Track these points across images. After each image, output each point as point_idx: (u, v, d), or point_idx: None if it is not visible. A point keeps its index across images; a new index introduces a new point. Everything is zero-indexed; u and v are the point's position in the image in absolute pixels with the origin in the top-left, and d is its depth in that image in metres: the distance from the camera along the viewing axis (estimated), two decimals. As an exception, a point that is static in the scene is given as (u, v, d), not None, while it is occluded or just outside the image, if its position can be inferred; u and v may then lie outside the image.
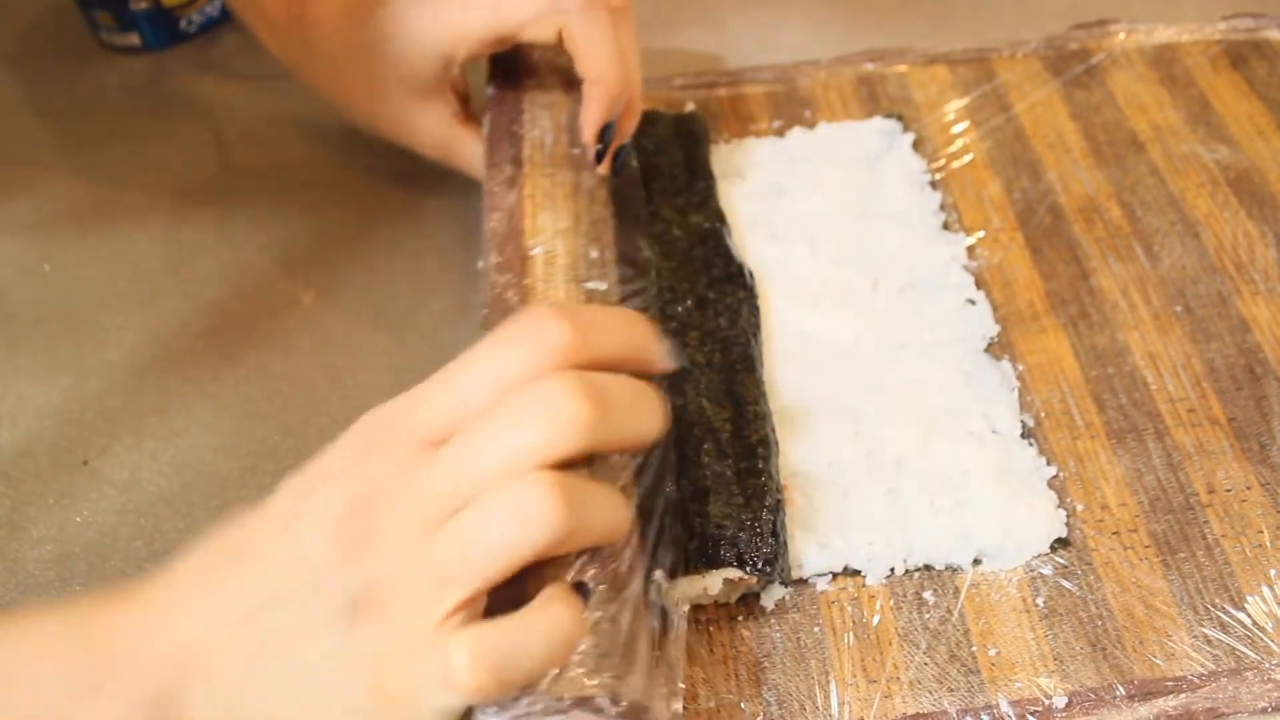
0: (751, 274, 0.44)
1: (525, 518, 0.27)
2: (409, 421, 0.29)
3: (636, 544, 0.31)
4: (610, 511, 0.29)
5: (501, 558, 0.27)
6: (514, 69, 0.47)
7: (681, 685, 0.32)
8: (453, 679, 0.27)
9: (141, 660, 0.28)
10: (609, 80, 0.42)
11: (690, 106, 0.53)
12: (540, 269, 0.40)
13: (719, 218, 0.46)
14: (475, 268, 0.49)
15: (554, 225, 0.41)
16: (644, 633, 0.30)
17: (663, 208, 0.46)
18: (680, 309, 0.42)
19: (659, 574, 0.32)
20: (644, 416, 0.30)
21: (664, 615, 0.32)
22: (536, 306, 0.31)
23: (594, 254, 0.41)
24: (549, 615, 0.28)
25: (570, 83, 0.45)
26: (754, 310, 0.43)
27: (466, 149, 0.48)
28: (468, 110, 0.48)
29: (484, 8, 0.44)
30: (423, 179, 0.53)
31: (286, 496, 0.29)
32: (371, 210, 0.52)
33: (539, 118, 0.45)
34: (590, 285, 0.39)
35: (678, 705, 0.31)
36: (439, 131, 0.48)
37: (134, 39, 0.61)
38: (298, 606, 0.28)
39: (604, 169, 0.44)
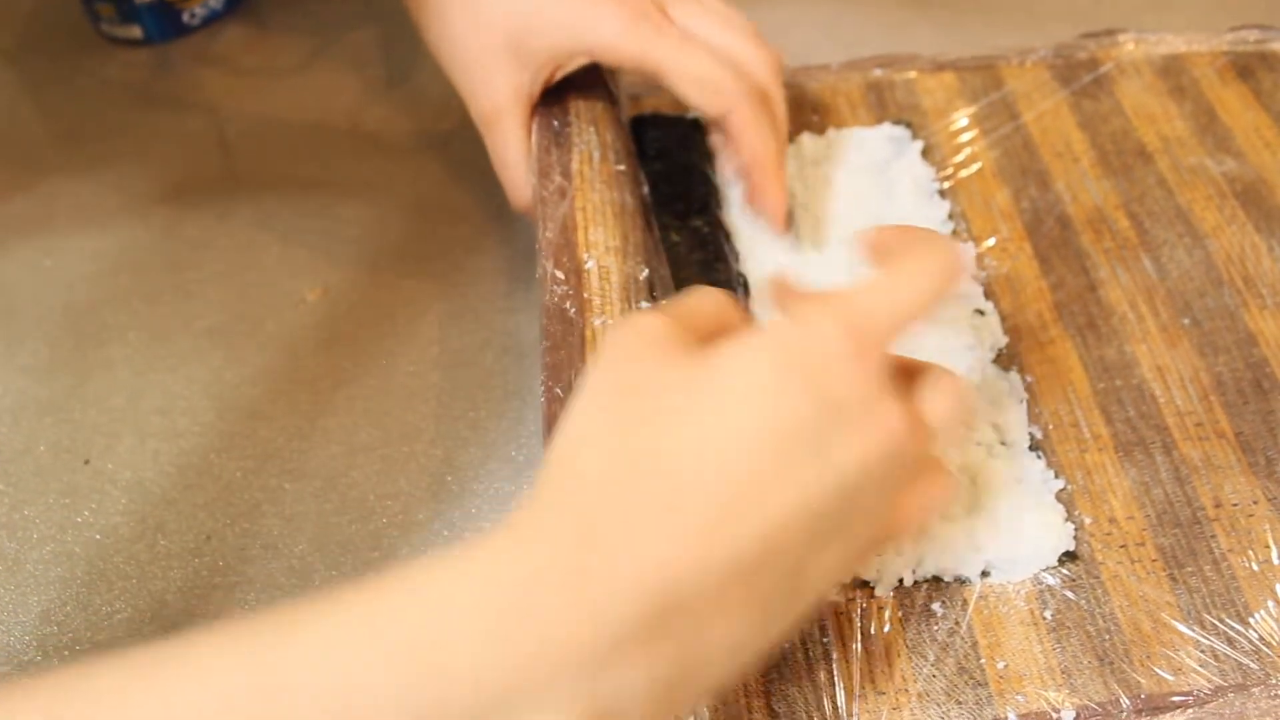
0: (747, 283, 0.44)
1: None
2: (886, 328, 0.29)
3: None
4: None
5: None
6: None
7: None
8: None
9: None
10: (776, 171, 0.44)
11: (694, 113, 0.52)
12: (595, 284, 0.39)
13: (718, 223, 0.46)
14: (480, 270, 0.49)
15: (605, 242, 0.41)
16: None
17: (663, 213, 0.46)
18: None
19: None
20: None
21: None
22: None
23: (642, 275, 0.41)
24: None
25: (612, 96, 0.46)
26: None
27: (508, 145, 0.45)
28: (540, 97, 0.46)
29: (638, 41, 0.42)
30: (430, 178, 0.53)
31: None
32: (377, 208, 0.52)
33: (585, 131, 0.45)
34: (645, 306, 0.40)
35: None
36: (504, 100, 0.45)
37: (136, 31, 0.60)
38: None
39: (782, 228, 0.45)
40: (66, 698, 0.22)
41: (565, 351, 0.37)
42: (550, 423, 0.35)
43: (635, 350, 0.27)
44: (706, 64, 0.42)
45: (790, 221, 0.45)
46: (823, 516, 0.26)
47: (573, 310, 0.38)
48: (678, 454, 0.25)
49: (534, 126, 0.45)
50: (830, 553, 0.27)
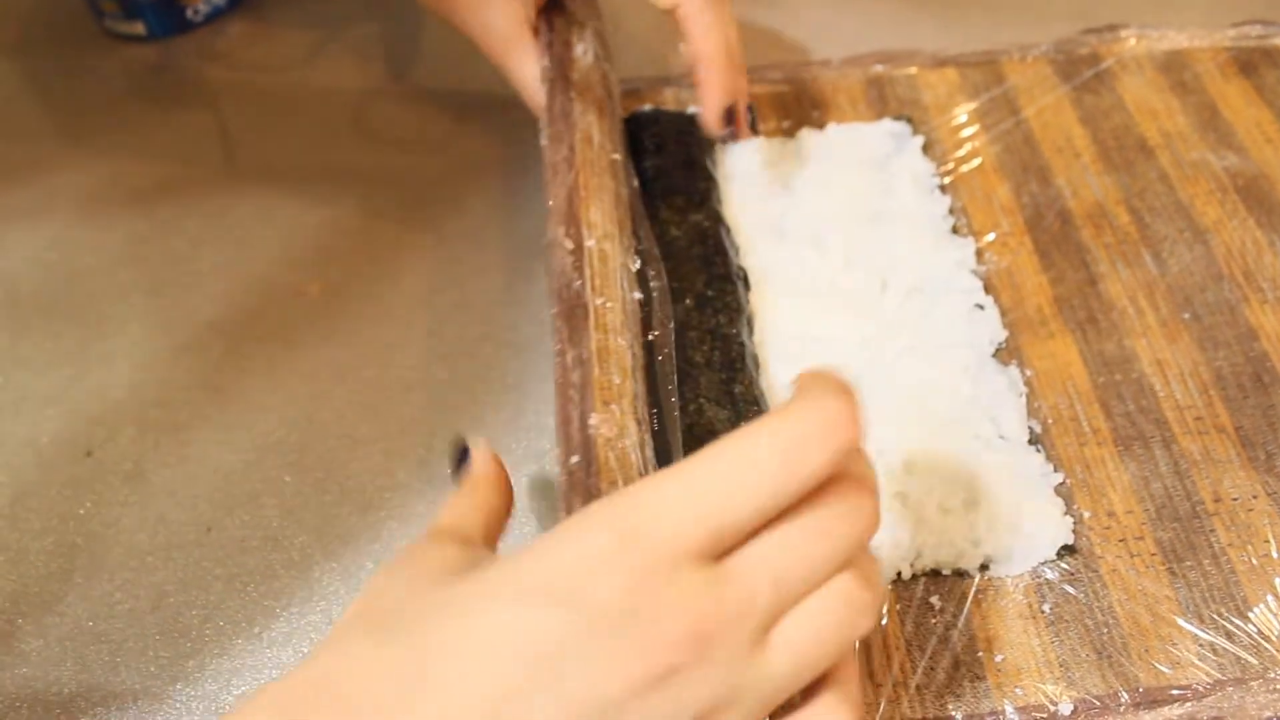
0: (747, 276, 0.44)
1: (859, 609, 0.25)
2: (675, 530, 0.23)
3: None
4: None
5: (834, 653, 0.25)
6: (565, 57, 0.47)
7: None
8: None
9: None
10: (721, 64, 0.44)
11: (694, 108, 0.52)
12: (595, 264, 0.39)
13: (718, 217, 0.46)
14: (479, 264, 0.49)
15: (604, 226, 0.41)
16: None
17: (662, 208, 0.46)
18: (679, 307, 0.42)
19: None
20: None
21: None
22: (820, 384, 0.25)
23: (635, 266, 0.41)
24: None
25: (609, 91, 0.47)
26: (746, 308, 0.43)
27: (524, 65, 0.47)
28: (538, 19, 0.48)
29: None
30: (430, 172, 0.53)
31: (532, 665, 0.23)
32: (378, 203, 0.52)
33: (587, 113, 0.45)
34: (637, 296, 0.40)
35: None
36: (505, 27, 0.47)
37: (139, 27, 0.61)
38: None
39: (747, 135, 0.46)
40: None
41: (574, 320, 0.37)
42: (563, 389, 0.35)
43: (402, 578, 0.26)
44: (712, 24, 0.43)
45: (729, 119, 0.45)
46: None
47: (578, 281, 0.38)
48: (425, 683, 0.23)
49: (547, 91, 0.46)
50: None
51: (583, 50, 0.47)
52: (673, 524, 0.23)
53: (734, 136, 0.46)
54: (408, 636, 0.23)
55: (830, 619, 0.24)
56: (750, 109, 0.47)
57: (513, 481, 0.41)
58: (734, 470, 0.24)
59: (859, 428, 0.25)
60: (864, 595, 0.25)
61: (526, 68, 0.47)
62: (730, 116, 0.45)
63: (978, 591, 0.37)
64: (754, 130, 0.47)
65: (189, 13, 0.61)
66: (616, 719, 0.22)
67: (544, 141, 0.44)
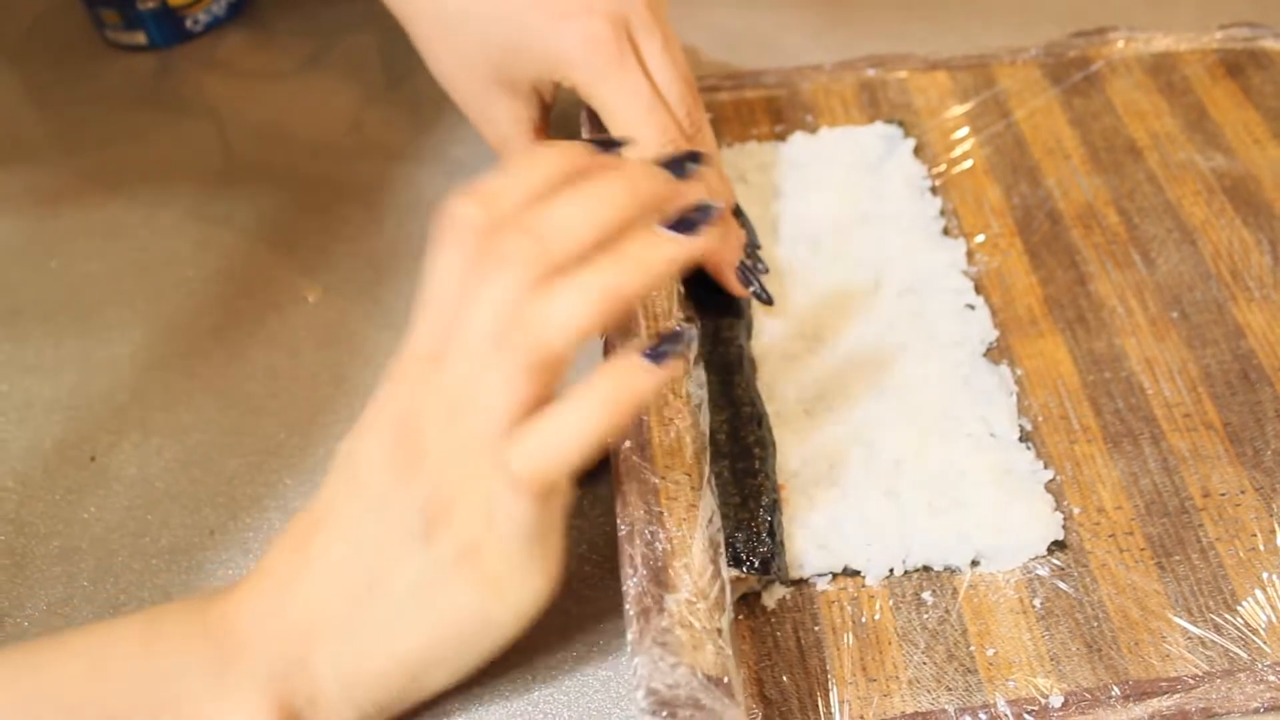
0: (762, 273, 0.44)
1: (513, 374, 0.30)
2: (410, 351, 0.33)
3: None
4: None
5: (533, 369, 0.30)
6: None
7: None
8: (514, 485, 0.30)
9: (261, 641, 0.31)
10: (649, 140, 0.40)
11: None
12: None
13: None
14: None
15: None
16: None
17: None
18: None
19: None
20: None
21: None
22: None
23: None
24: (578, 402, 0.30)
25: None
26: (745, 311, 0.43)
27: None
28: (545, 121, 0.47)
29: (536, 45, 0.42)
30: (427, 178, 0.54)
31: (342, 458, 0.33)
32: (376, 210, 0.52)
33: None
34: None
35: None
36: (507, 129, 0.46)
37: (140, 37, 0.61)
38: (378, 545, 0.31)
39: (740, 292, 0.43)
40: None
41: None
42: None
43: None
44: (642, 117, 0.41)
45: (745, 279, 0.43)
46: (359, 519, 0.32)
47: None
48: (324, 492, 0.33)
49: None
50: (383, 545, 0.32)
51: None
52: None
53: (759, 289, 0.43)
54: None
55: (492, 377, 0.30)
56: (755, 256, 0.44)
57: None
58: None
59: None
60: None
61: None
62: (745, 276, 0.43)
63: (969, 587, 0.37)
64: (765, 299, 0.44)
65: (189, 22, 0.62)
66: (388, 489, 0.31)
67: None
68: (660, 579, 0.32)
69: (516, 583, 0.31)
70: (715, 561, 0.32)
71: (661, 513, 0.34)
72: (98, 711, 0.31)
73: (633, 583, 0.32)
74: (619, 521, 0.34)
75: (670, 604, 0.31)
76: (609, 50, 0.41)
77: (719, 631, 0.32)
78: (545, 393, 0.30)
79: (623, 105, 0.41)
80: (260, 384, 0.45)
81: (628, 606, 0.32)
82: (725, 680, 0.30)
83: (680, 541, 0.33)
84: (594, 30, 0.40)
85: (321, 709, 0.32)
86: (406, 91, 0.59)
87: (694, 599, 0.31)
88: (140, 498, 0.42)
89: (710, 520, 0.33)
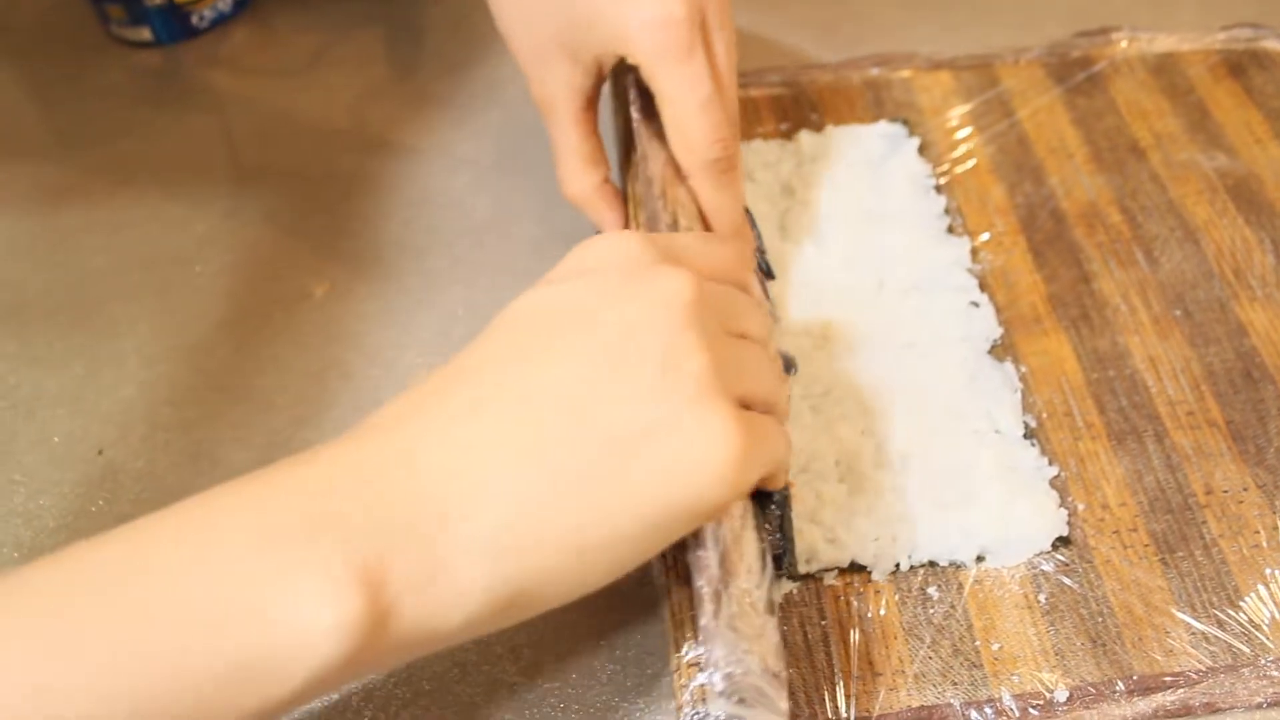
0: (769, 264, 0.44)
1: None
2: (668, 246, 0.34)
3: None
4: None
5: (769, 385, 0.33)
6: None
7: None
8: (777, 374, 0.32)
9: (363, 507, 0.27)
10: (700, 136, 0.40)
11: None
12: None
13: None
14: (483, 263, 0.49)
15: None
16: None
17: None
18: None
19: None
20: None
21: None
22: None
23: None
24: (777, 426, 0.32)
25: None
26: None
27: (562, 124, 0.44)
28: (596, 93, 0.45)
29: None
30: (433, 174, 0.54)
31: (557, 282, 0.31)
32: (383, 205, 0.53)
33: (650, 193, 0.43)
34: None
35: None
36: (556, 91, 0.44)
37: (145, 33, 0.61)
38: (609, 378, 0.29)
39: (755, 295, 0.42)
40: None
41: None
42: None
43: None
44: (699, 111, 0.40)
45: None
46: (577, 358, 0.29)
47: None
48: (467, 351, 0.31)
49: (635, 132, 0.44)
50: (607, 389, 0.29)
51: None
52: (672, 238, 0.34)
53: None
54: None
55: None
56: (762, 261, 0.44)
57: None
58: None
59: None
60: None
61: (562, 139, 0.44)
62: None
63: (974, 582, 0.37)
64: (769, 275, 0.44)
65: (194, 18, 0.62)
66: (622, 335, 0.29)
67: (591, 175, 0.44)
68: (725, 565, 0.32)
69: (766, 442, 0.31)
70: (764, 555, 0.33)
71: None
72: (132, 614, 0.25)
73: (710, 564, 0.31)
74: None
75: (735, 590, 0.31)
76: (681, 37, 0.40)
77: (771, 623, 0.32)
78: None
79: (682, 95, 0.40)
80: (267, 378, 0.45)
81: (701, 585, 0.31)
82: (780, 674, 0.30)
83: (734, 533, 0.33)
84: (670, 14, 0.40)
85: (432, 596, 0.27)
86: (412, 87, 0.59)
87: (752, 588, 0.32)
88: (147, 491, 0.42)
89: (744, 514, 0.33)
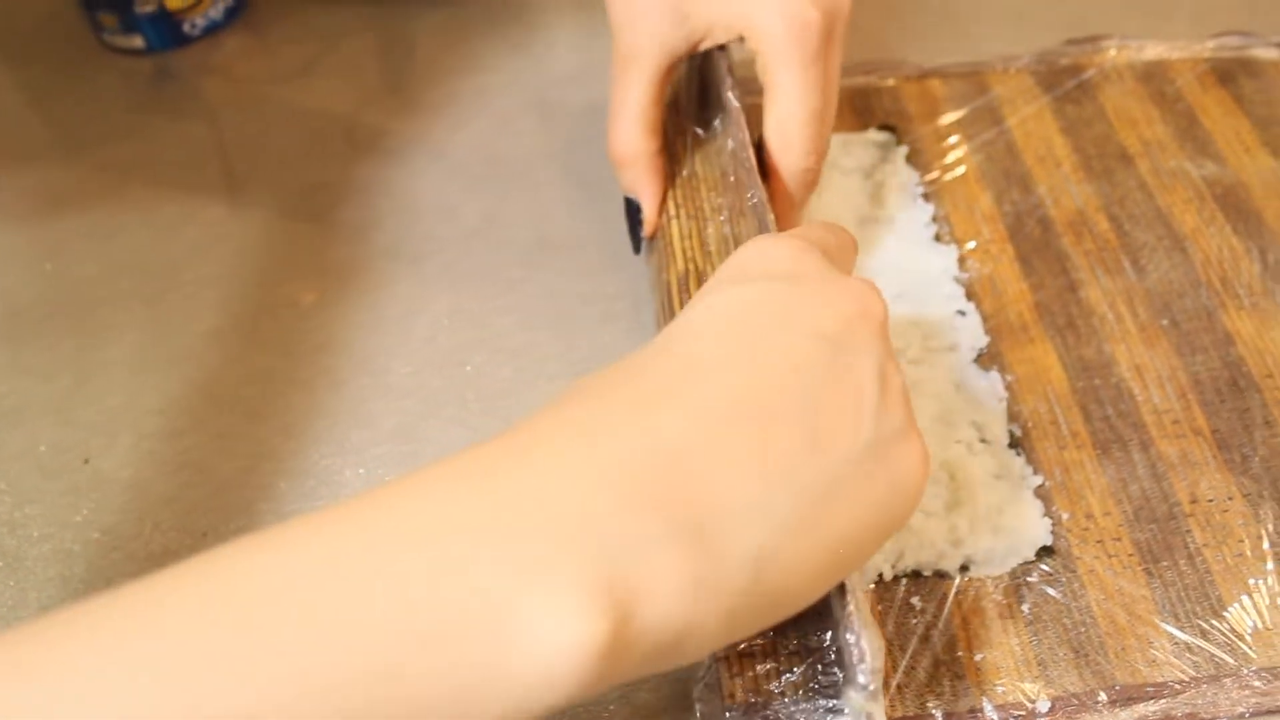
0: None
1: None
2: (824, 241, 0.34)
3: None
4: None
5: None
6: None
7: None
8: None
9: (587, 521, 0.23)
10: (801, 146, 0.40)
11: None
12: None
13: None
14: (471, 272, 0.50)
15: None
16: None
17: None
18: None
19: None
20: None
21: None
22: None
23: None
24: None
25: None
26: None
27: (635, 78, 0.42)
28: (679, 61, 0.44)
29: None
30: (423, 182, 0.54)
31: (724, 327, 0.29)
32: (372, 214, 0.53)
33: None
34: None
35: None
36: (642, 42, 0.42)
37: (137, 41, 0.61)
38: (831, 398, 0.27)
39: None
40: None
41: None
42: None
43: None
44: (807, 120, 0.40)
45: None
46: (806, 368, 0.27)
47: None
48: (672, 347, 0.28)
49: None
50: (835, 402, 0.27)
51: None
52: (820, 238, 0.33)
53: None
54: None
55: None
56: None
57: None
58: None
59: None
60: None
61: (628, 93, 0.42)
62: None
63: (958, 592, 0.37)
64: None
65: (186, 27, 0.62)
66: (835, 347, 0.28)
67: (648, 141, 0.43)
68: None
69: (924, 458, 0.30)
70: None
71: None
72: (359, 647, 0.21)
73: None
74: None
75: (855, 579, 0.31)
76: (811, 41, 0.39)
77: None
78: None
79: (795, 99, 0.40)
80: (255, 387, 0.45)
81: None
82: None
83: None
84: (809, 16, 0.39)
85: (679, 619, 0.23)
86: (403, 96, 0.59)
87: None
88: (134, 500, 0.42)
89: None
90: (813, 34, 0.39)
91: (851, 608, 0.30)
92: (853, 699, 0.30)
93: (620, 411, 0.25)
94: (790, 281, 0.30)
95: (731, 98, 0.43)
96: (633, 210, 0.44)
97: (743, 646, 0.33)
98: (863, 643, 0.30)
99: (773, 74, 0.40)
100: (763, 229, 0.38)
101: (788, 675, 0.33)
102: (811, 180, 0.42)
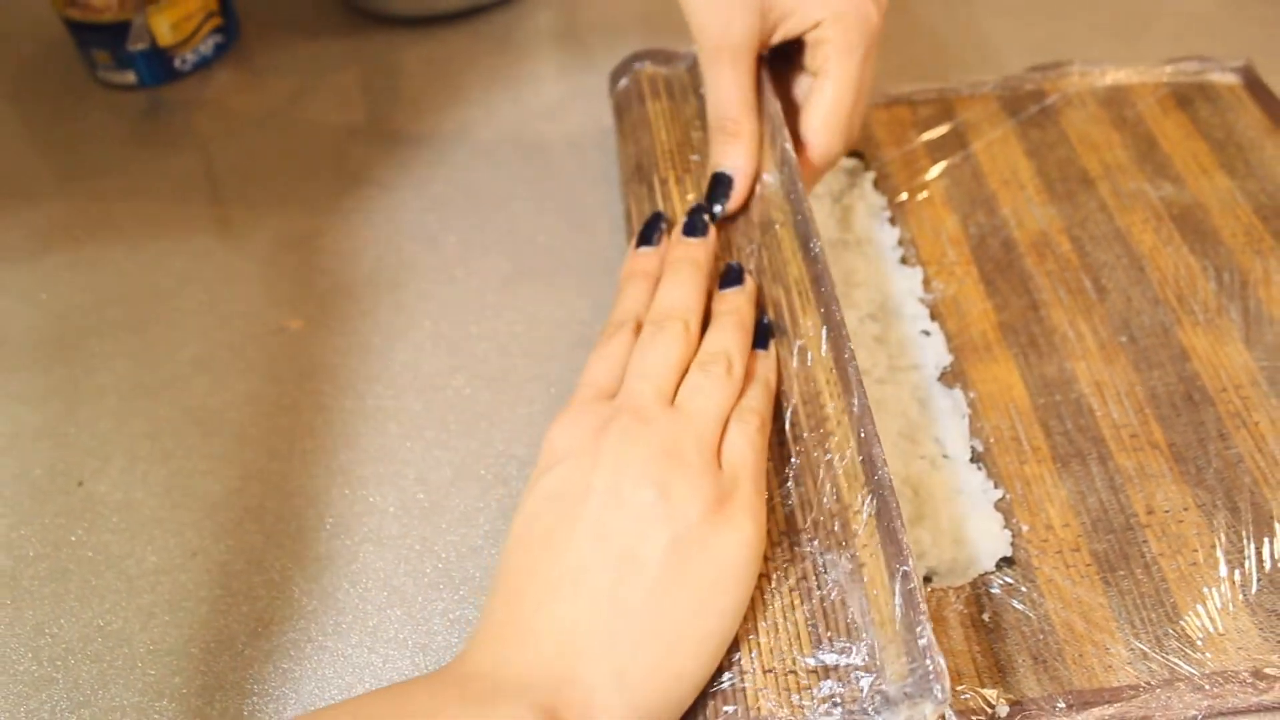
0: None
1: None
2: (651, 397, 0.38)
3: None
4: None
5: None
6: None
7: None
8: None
9: (519, 676, 0.31)
10: (830, 141, 0.45)
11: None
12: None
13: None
14: (451, 299, 0.51)
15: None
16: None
17: None
18: None
19: None
20: None
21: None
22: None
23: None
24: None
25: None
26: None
27: (739, 67, 0.44)
28: (763, 51, 0.46)
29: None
30: (406, 212, 0.56)
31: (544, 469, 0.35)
32: (357, 242, 0.54)
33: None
34: None
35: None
36: (733, 34, 0.44)
37: (130, 77, 0.63)
38: (622, 529, 0.33)
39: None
40: None
41: None
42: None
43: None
44: (844, 116, 0.44)
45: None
46: (587, 519, 0.34)
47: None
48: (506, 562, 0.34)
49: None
50: (620, 527, 0.33)
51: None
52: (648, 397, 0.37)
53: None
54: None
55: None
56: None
57: (483, 504, 0.43)
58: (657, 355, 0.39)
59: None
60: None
61: (737, 81, 0.45)
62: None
63: (921, 602, 0.39)
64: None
65: (177, 62, 0.64)
66: (602, 491, 0.34)
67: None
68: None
69: (757, 507, 0.35)
70: None
71: None
72: None
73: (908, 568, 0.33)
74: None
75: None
76: (870, 36, 0.43)
77: None
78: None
79: (847, 86, 0.44)
80: (242, 412, 0.47)
81: (908, 573, 0.32)
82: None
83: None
84: (868, 14, 0.43)
85: (597, 714, 0.31)
86: (387, 128, 0.61)
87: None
88: (125, 521, 0.43)
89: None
90: (872, 30, 0.43)
91: (925, 621, 0.32)
92: (924, 710, 0.32)
93: (513, 606, 0.33)
94: (567, 461, 0.35)
95: (771, 97, 0.46)
96: (724, 184, 0.46)
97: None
98: (938, 657, 0.31)
99: (834, 61, 0.44)
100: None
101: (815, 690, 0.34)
102: (828, 167, 0.46)
